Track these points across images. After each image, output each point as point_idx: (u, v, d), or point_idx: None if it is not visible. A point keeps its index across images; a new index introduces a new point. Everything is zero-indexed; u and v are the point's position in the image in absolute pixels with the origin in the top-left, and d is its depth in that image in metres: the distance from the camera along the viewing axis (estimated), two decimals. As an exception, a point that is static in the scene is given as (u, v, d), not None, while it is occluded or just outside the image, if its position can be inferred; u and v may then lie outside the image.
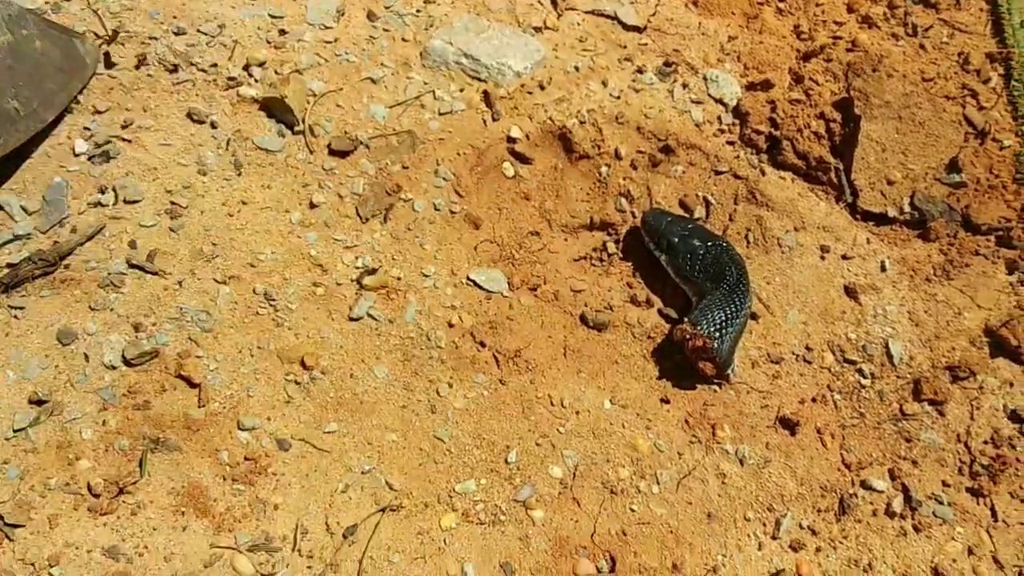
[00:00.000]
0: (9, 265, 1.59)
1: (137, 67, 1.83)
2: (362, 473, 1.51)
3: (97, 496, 1.41)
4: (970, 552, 1.56)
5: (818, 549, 1.54)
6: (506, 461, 1.55)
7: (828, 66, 2.04)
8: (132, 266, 1.63)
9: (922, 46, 2.10)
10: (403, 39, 1.94)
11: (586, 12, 2.03)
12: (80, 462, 1.44)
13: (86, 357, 1.53)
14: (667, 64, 1.99)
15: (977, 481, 1.63)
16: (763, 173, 1.90)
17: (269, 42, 1.89)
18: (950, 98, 2.03)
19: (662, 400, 1.66)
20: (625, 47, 2.00)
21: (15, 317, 1.56)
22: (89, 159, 1.72)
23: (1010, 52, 2.09)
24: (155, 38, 1.86)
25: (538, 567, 1.46)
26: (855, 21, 2.14)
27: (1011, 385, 1.75)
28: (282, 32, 1.91)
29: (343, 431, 1.54)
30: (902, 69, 2.02)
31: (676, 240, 1.75)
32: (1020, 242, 1.89)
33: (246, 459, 1.49)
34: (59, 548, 1.36)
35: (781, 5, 2.15)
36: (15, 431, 1.45)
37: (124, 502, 1.41)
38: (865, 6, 2.16)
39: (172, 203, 1.70)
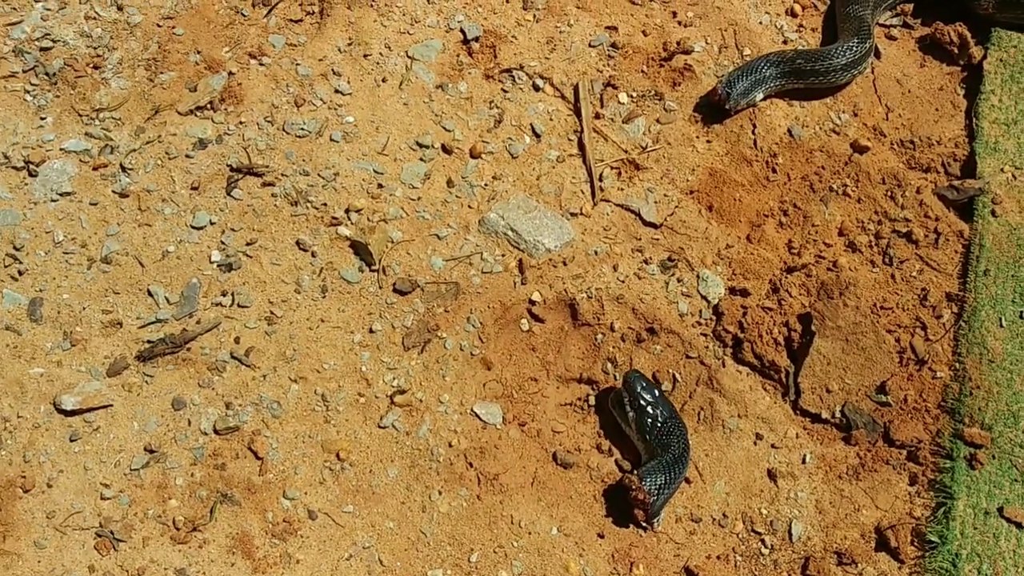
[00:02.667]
0: (148, 341, 2.23)
1: (269, 197, 2.45)
2: (363, 548, 2.09)
3: (178, 529, 2.03)
4: None
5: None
6: (468, 560, 2.10)
7: (806, 281, 2.51)
8: (233, 357, 2.24)
9: (893, 276, 2.54)
10: (469, 206, 2.50)
11: (617, 205, 2.54)
12: (171, 501, 2.06)
13: (189, 422, 2.16)
14: (670, 259, 2.49)
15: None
16: (724, 364, 2.38)
17: (368, 192, 2.48)
18: (901, 326, 2.47)
19: (598, 534, 2.18)
20: (640, 239, 2.51)
21: (146, 382, 2.19)
22: (219, 267, 2.35)
23: (966, 296, 2.51)
24: (286, 175, 2.48)
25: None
26: (842, 244, 2.59)
27: (885, 577, 2.20)
28: (380, 186, 2.49)
29: (356, 513, 2.12)
30: (864, 296, 2.47)
31: (644, 404, 2.25)
32: (925, 460, 2.33)
33: (284, 521, 2.08)
34: (146, 562, 1.99)
35: (783, 219, 2.62)
36: (132, 469, 2.08)
37: (195, 537, 2.03)
38: (854, 232, 2.61)
39: (271, 312, 2.31)
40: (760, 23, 2.89)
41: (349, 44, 2.66)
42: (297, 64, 2.61)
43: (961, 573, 2.18)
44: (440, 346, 2.32)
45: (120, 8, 2.62)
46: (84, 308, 2.25)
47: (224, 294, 2.31)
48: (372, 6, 2.71)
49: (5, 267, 2.26)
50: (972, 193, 2.65)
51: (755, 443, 2.31)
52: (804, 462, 2.30)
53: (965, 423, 2.34)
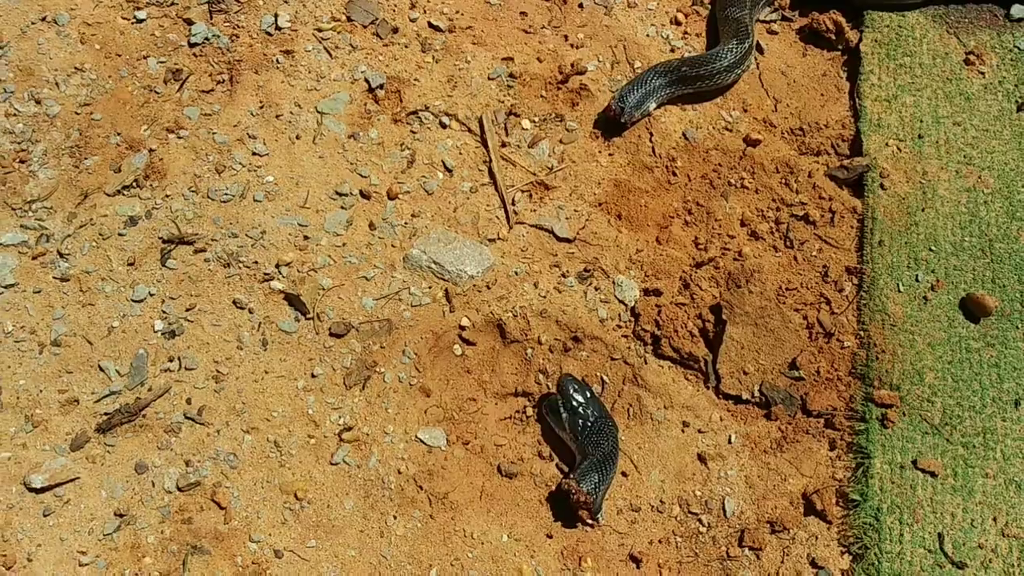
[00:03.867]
0: (105, 414, 2.37)
1: (202, 263, 2.59)
2: (328, 578, 2.24)
3: (152, 585, 2.17)
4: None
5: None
6: (428, 575, 2.26)
7: (715, 274, 2.68)
8: (187, 417, 2.38)
9: (795, 258, 2.73)
10: (392, 245, 2.65)
11: (531, 225, 2.71)
12: (145, 559, 2.20)
13: (152, 484, 2.30)
14: (586, 270, 2.66)
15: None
16: (646, 362, 2.55)
17: (296, 245, 2.63)
18: (807, 304, 2.65)
19: (547, 535, 2.34)
20: (556, 255, 2.68)
21: (108, 452, 2.33)
22: (163, 335, 2.49)
23: (864, 267, 2.70)
24: (216, 240, 2.62)
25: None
26: (745, 234, 2.77)
27: (816, 539, 2.37)
28: (306, 237, 2.65)
29: (319, 546, 2.27)
30: (770, 280, 2.65)
31: (576, 405, 2.41)
32: (842, 426, 2.51)
33: (253, 563, 2.23)
34: (126, 620, 2.13)
35: (688, 218, 2.80)
36: (105, 535, 2.22)
37: (169, 590, 2.17)
38: (755, 222, 2.79)
39: (217, 371, 2.45)
40: (647, 35, 3.07)
41: (261, 107, 2.81)
42: (213, 133, 2.76)
43: (883, 525, 2.36)
44: (380, 381, 2.47)
45: (38, 101, 2.75)
46: (41, 391, 2.38)
47: (171, 360, 2.45)
48: (278, 68, 2.87)
49: (-40, 362, 2.39)
50: (861, 170, 2.84)
51: (683, 431, 2.48)
52: (730, 442, 2.47)
53: (875, 386, 2.53)
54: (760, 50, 3.08)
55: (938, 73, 3.06)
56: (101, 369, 2.42)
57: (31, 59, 2.82)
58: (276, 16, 2.95)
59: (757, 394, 2.54)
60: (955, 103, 3.00)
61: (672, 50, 3.06)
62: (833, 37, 3.11)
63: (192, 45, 2.90)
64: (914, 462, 2.44)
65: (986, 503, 2.40)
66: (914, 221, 2.78)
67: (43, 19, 2.89)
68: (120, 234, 2.60)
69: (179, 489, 2.29)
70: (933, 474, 2.42)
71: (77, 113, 2.77)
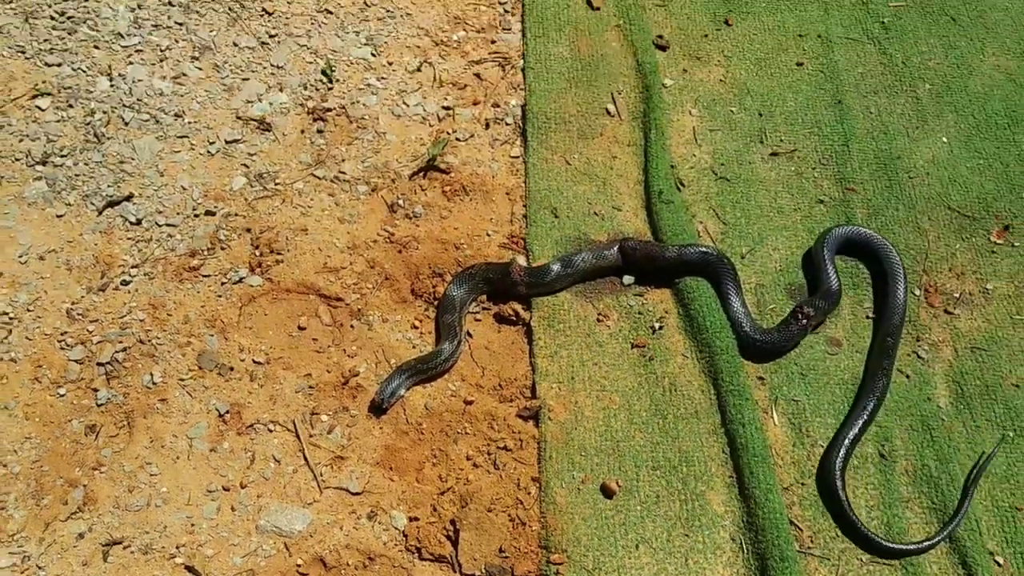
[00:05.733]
0: (84, 669, 3.88)
1: (130, 555, 4.14)
2: None
3: None
4: None
5: None
6: None
7: (452, 497, 4.38)
8: (135, 660, 3.92)
9: (501, 476, 4.45)
10: (247, 520, 4.25)
11: (335, 488, 4.36)
12: None
13: None
14: (372, 512, 4.32)
15: None
16: (415, 564, 4.21)
17: (187, 531, 4.20)
18: (509, 506, 4.37)
19: None
20: (352, 505, 4.31)
21: None
22: None
23: (542, 475, 4.44)
24: (135, 538, 4.17)
25: None
26: (470, 466, 4.48)
27: (525, 654, 4.05)
28: (192, 524, 4.22)
29: None
30: (485, 496, 4.36)
31: (374, 605, 4.05)
32: (535, 581, 4.21)
33: None
34: None
35: (434, 461, 4.50)
36: None
37: None
38: (476, 456, 4.51)
39: (149, 626, 4.00)
40: (397, 339, 4.81)
41: (151, 441, 4.41)
42: (123, 465, 4.34)
43: (561, 639, 4.05)
44: (252, 611, 4.06)
45: (5, 465, 4.29)
46: (40, 662, 3.88)
47: (119, 625, 3.98)
48: (159, 412, 4.48)
49: (-14, 654, 3.87)
50: (536, 409, 4.61)
51: (441, 604, 4.14)
52: (470, 605, 4.13)
53: (552, 551, 4.23)
54: (470, 335, 4.85)
55: (581, 331, 4.88)
56: (76, 640, 3.93)
57: (-5, 438, 4.36)
58: (152, 375, 4.56)
59: (484, 571, 4.22)
60: (593, 350, 4.81)
61: (414, 347, 4.80)
62: (515, 318, 4.91)
63: (99, 405, 4.48)
64: (578, 596, 4.14)
65: (622, 612, 4.10)
66: (570, 438, 4.53)
67: (-2, 408, 4.43)
68: (75, 546, 4.13)
69: None
70: (590, 601, 4.12)
71: (32, 468, 4.31)
